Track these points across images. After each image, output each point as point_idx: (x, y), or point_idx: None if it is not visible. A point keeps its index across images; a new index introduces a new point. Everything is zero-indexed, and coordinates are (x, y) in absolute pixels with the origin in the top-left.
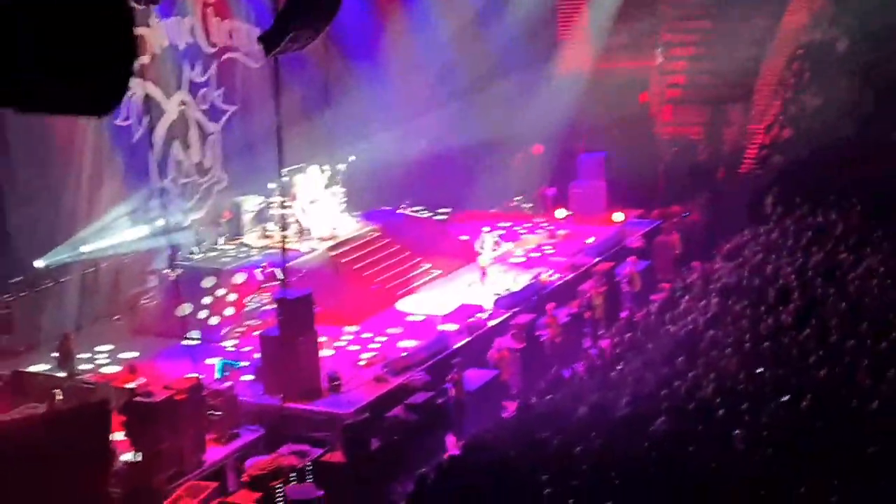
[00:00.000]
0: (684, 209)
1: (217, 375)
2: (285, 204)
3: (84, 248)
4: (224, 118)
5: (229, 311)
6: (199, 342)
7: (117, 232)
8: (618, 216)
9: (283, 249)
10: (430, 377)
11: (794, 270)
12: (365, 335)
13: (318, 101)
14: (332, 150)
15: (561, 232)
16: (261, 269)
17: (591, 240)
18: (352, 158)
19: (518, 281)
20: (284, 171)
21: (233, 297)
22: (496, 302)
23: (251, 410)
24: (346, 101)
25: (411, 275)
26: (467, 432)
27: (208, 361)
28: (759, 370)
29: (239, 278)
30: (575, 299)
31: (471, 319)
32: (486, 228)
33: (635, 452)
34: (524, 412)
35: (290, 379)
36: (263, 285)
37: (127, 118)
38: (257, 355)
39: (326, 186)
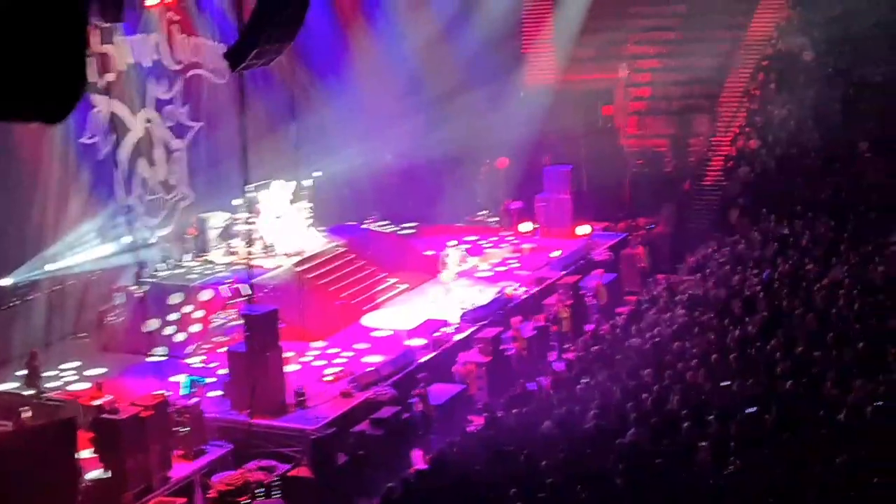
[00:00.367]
0: (650, 221)
1: (184, 392)
2: (250, 220)
3: (50, 266)
4: (189, 135)
5: (196, 328)
6: (165, 358)
7: (84, 249)
8: (583, 229)
9: (249, 266)
10: (396, 392)
11: (760, 281)
12: (331, 350)
13: (284, 117)
14: (297, 165)
15: (526, 245)
16: (227, 285)
17: (556, 253)
18: (317, 174)
19: (484, 295)
20: (250, 187)
21: (199, 313)
22: (462, 316)
23: (218, 426)
24: (312, 117)
25: (377, 290)
26: (434, 447)
27: (175, 378)
28: (725, 382)
29: (205, 295)
30: (541, 313)
31: (436, 334)
32: (453, 242)
33: (602, 465)
34: (490, 426)
35: (256, 395)
36: (230, 301)
37: (93, 136)
38: (223, 371)
39: (292, 202)
